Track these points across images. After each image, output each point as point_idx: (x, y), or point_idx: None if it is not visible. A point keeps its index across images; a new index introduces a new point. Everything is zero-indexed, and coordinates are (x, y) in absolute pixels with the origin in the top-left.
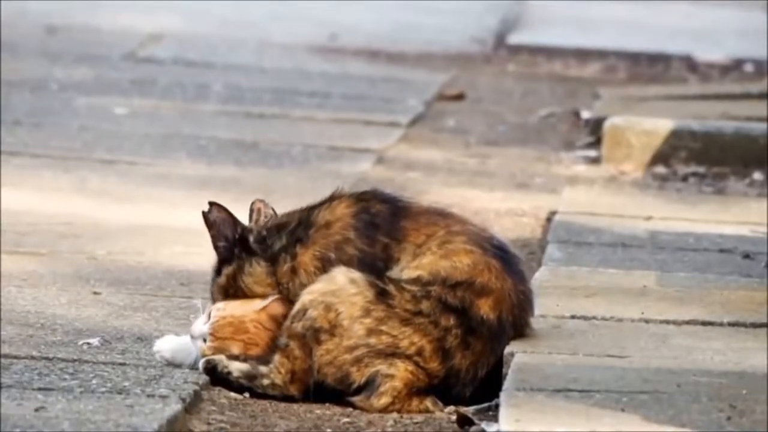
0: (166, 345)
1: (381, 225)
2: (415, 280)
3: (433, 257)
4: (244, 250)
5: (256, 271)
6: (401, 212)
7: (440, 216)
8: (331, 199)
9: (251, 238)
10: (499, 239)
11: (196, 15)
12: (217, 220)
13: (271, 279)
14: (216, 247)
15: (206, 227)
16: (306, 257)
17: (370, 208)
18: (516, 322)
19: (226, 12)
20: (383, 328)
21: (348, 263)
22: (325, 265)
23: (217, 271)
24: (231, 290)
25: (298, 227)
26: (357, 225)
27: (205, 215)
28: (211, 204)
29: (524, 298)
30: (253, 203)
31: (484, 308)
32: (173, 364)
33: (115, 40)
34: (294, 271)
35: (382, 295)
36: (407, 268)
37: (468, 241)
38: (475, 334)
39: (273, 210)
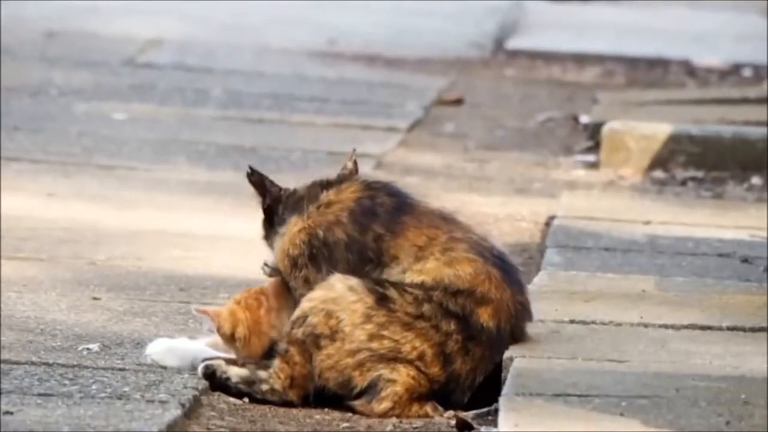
0: (158, 348)
1: (380, 215)
2: (419, 285)
3: (437, 263)
4: (268, 221)
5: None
6: (406, 208)
7: (443, 220)
8: (346, 180)
9: (279, 210)
10: (499, 249)
11: (195, 20)
12: (260, 182)
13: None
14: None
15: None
16: (296, 228)
17: (375, 197)
18: (514, 331)
19: (225, 17)
20: (385, 333)
21: (335, 246)
22: (311, 240)
23: None
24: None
25: (303, 200)
26: (354, 209)
27: (248, 176)
28: (251, 169)
29: (522, 308)
30: (349, 156)
31: (484, 317)
32: (164, 367)
33: (115, 45)
34: (281, 236)
35: (382, 301)
36: (410, 271)
37: (469, 250)
38: (475, 340)
39: (354, 164)
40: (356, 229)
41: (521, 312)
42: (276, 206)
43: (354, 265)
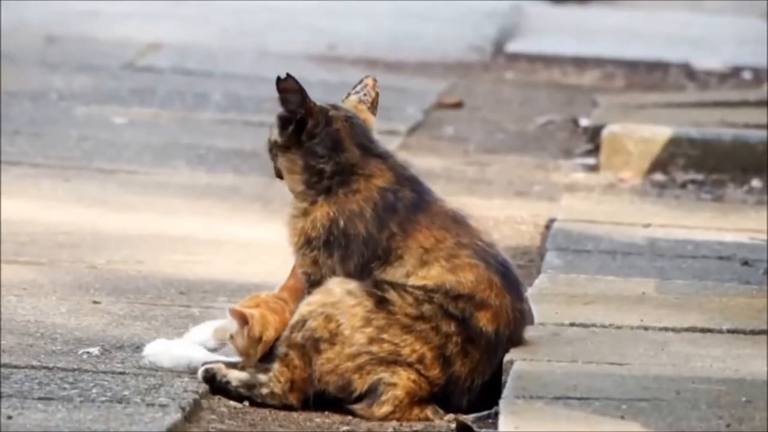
0: (154, 349)
1: (399, 211)
2: (420, 288)
3: (441, 270)
4: (296, 133)
5: (295, 165)
6: (423, 205)
7: (455, 223)
8: (381, 164)
9: (309, 125)
10: (503, 256)
11: (195, 24)
12: (288, 92)
13: (302, 176)
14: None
15: (277, 91)
16: (320, 212)
17: (399, 191)
18: (512, 336)
19: (225, 21)
20: (384, 336)
21: (353, 238)
22: (332, 227)
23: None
24: (270, 153)
25: (339, 174)
26: (378, 202)
27: (278, 80)
28: (288, 76)
29: (520, 316)
30: (367, 77)
31: (483, 321)
32: (163, 369)
33: (114, 49)
34: (305, 213)
35: (381, 303)
36: (414, 276)
37: (473, 256)
38: (474, 343)
39: (377, 94)
40: (376, 225)
41: (520, 319)
42: (306, 119)
43: (366, 260)
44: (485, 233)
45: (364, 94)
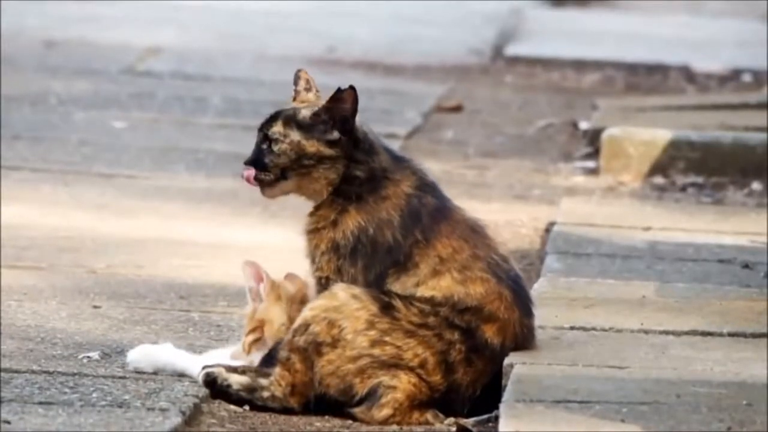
0: (136, 355)
1: (423, 219)
2: (428, 300)
3: (451, 281)
4: (352, 146)
5: (337, 174)
6: (445, 213)
7: (473, 232)
8: (405, 168)
9: (353, 132)
10: (516, 272)
11: (193, 29)
12: (347, 103)
13: (335, 186)
14: (317, 114)
15: (331, 97)
16: (351, 220)
17: (422, 197)
18: (517, 350)
19: (224, 25)
20: (387, 339)
21: (380, 246)
22: (360, 235)
23: (300, 127)
24: (296, 164)
25: (371, 180)
26: (404, 210)
27: (339, 90)
28: (352, 88)
29: (527, 331)
30: (299, 71)
31: (489, 333)
32: (146, 372)
33: (114, 54)
34: (335, 224)
35: (386, 309)
36: (423, 285)
37: (486, 269)
38: (479, 353)
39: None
40: (402, 234)
41: (527, 335)
42: (353, 128)
43: (386, 267)
44: (501, 246)
45: (307, 88)
